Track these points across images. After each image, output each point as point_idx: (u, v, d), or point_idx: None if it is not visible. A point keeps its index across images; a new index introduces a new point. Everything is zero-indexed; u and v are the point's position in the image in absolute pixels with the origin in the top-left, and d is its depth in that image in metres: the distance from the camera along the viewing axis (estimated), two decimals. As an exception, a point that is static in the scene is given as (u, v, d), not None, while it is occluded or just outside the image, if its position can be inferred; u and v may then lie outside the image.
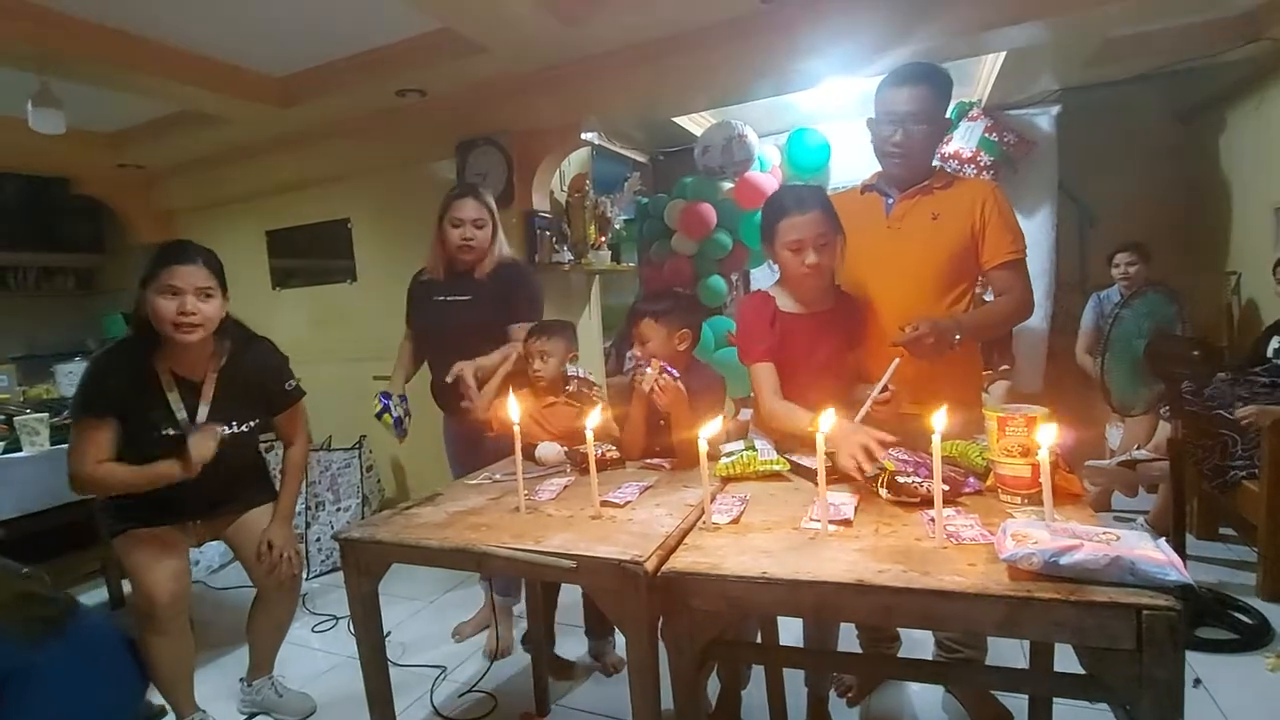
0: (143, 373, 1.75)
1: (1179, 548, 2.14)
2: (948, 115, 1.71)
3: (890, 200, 1.74)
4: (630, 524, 1.29)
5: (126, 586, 2.06)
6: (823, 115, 3.90)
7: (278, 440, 2.11)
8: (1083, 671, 1.00)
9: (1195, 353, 1.99)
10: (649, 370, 1.64)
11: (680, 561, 1.11)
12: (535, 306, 2.28)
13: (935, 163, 1.79)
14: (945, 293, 1.69)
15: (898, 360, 1.48)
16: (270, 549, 1.93)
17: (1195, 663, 1.96)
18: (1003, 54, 2.91)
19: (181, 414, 1.78)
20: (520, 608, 2.47)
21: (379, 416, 2.31)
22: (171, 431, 1.77)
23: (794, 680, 1.82)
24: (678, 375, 1.63)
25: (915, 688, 1.99)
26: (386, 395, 2.32)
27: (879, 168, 1.77)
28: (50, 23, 2.39)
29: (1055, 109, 3.51)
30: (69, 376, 3.87)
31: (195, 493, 1.84)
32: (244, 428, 1.89)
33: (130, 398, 1.73)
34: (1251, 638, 2.11)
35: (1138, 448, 2.90)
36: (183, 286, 1.69)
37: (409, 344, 2.44)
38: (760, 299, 1.73)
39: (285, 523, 2.01)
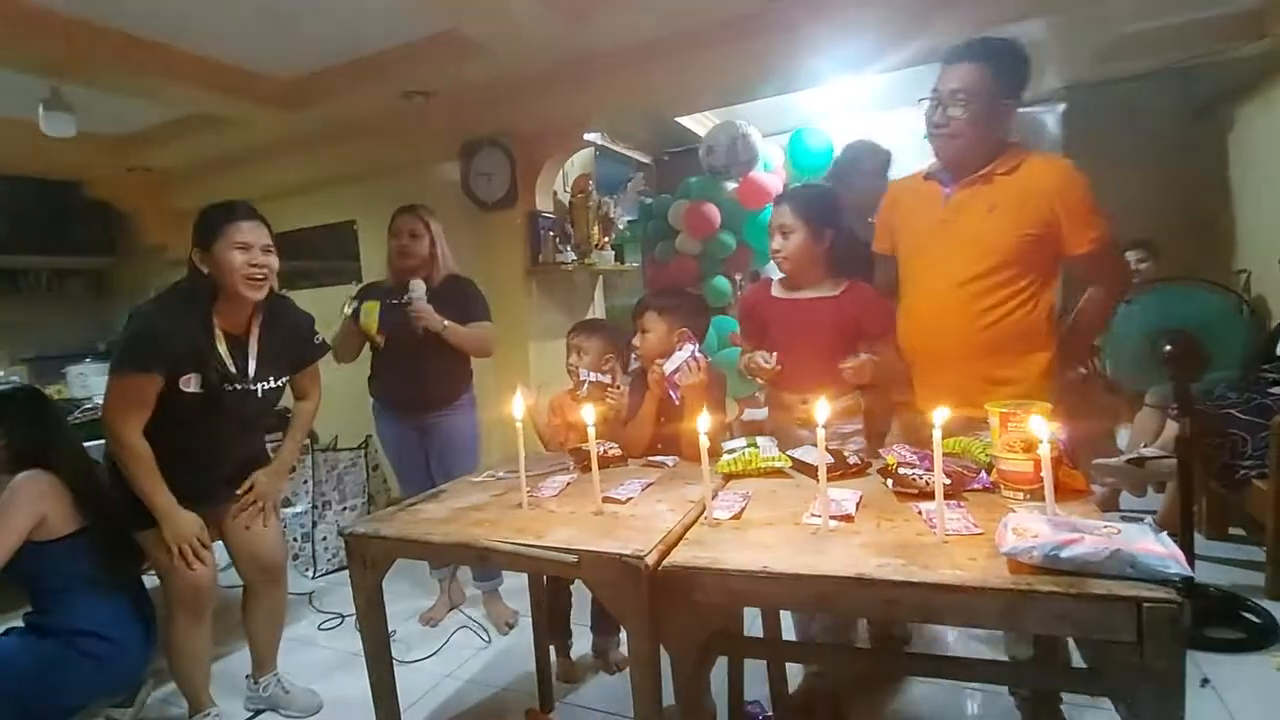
0: (203, 326, 1.76)
1: (1187, 547, 2.13)
2: (1010, 97, 1.54)
3: (948, 191, 1.63)
4: (632, 520, 1.30)
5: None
6: (828, 114, 3.90)
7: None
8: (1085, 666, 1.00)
9: (1168, 347, 1.96)
10: (680, 351, 1.71)
11: (681, 556, 1.11)
12: (487, 311, 2.49)
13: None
14: (995, 290, 1.57)
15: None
16: (250, 490, 1.94)
17: (1203, 662, 1.95)
18: (1007, 51, 2.90)
19: (232, 369, 1.80)
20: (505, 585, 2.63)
21: (355, 314, 2.35)
22: (229, 387, 1.79)
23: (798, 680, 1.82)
24: (709, 358, 1.71)
25: (937, 693, 1.95)
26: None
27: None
28: (60, 27, 2.41)
29: (1061, 106, 3.49)
30: (80, 378, 3.91)
31: (211, 483, 1.88)
32: (278, 383, 1.93)
33: (187, 350, 1.72)
34: (1260, 637, 2.09)
35: (1144, 445, 2.87)
36: (251, 241, 1.75)
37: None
38: (757, 287, 1.93)
39: (280, 474, 2.02)
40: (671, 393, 1.73)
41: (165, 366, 1.69)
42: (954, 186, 1.63)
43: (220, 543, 1.99)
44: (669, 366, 1.70)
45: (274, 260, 1.81)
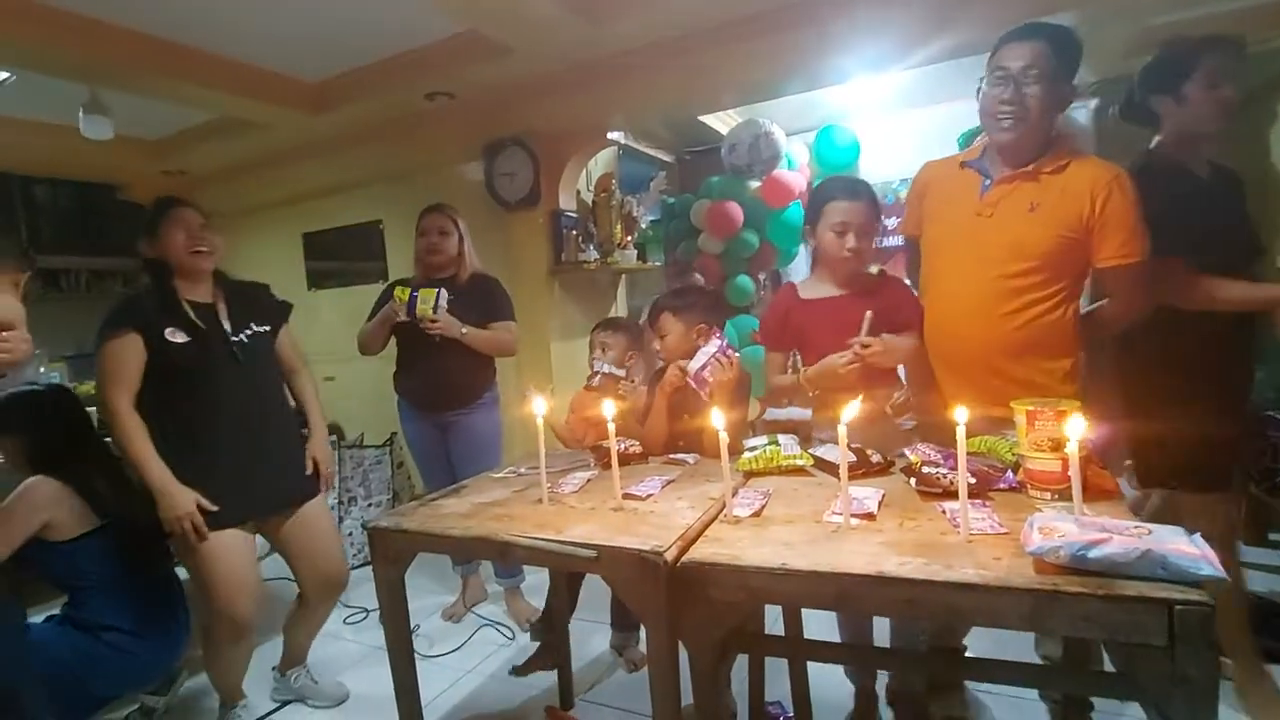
0: (167, 295, 1.85)
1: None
2: (1069, 85, 1.49)
3: (987, 183, 1.57)
4: (651, 516, 1.30)
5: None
6: (852, 112, 3.86)
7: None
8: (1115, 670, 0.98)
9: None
10: (706, 346, 1.69)
11: (700, 552, 1.11)
12: (512, 310, 2.54)
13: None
14: (1025, 293, 1.52)
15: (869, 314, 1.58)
16: (317, 465, 2.07)
17: (1240, 671, 1.89)
18: (1037, 46, 2.84)
19: (201, 325, 1.85)
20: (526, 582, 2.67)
21: (411, 305, 2.33)
22: (214, 339, 1.86)
23: (818, 679, 1.80)
24: (738, 352, 1.70)
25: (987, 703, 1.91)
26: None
27: (910, 164, 1.73)
28: (99, 34, 2.49)
29: (1093, 102, 3.41)
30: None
31: (258, 487, 1.89)
32: (262, 328, 1.99)
33: (159, 310, 1.81)
34: (1301, 646, 2.02)
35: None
36: (190, 221, 1.89)
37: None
38: (782, 293, 1.81)
39: (323, 440, 2.13)
40: (699, 390, 1.70)
41: (141, 320, 1.77)
42: (994, 178, 1.56)
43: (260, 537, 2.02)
44: (694, 364, 1.69)
45: (217, 239, 1.94)
